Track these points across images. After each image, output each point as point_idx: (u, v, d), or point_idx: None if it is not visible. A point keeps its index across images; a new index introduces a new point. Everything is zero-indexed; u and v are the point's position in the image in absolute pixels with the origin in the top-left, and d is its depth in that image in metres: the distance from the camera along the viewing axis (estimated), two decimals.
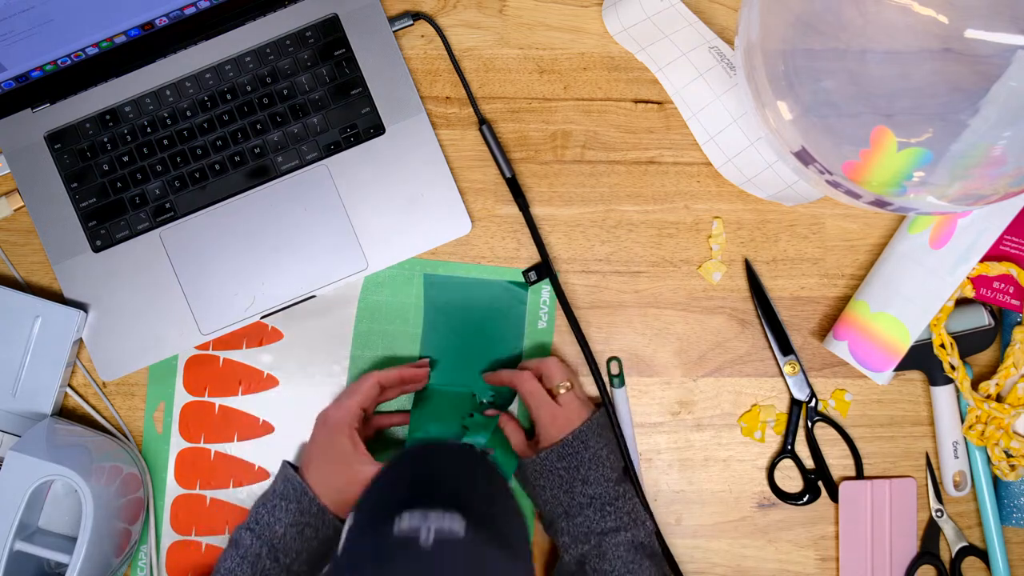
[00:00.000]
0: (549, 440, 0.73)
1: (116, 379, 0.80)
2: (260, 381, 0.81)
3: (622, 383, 0.80)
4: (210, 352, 0.81)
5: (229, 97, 0.79)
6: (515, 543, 0.53)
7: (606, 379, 0.80)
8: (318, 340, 0.81)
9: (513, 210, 0.81)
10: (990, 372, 0.79)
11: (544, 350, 0.80)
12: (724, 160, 0.80)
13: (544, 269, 0.80)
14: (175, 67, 0.80)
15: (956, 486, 0.79)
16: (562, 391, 0.75)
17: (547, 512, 0.73)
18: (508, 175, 0.80)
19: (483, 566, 0.47)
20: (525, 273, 0.80)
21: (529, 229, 0.80)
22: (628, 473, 0.76)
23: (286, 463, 0.75)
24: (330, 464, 0.71)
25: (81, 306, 0.79)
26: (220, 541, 0.80)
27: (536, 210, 0.81)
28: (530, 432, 0.77)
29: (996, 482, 0.79)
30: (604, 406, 0.77)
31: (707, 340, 0.81)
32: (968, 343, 0.78)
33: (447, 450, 0.57)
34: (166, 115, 0.80)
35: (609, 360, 0.80)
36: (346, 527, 0.53)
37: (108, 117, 0.79)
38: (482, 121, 0.81)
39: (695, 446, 0.80)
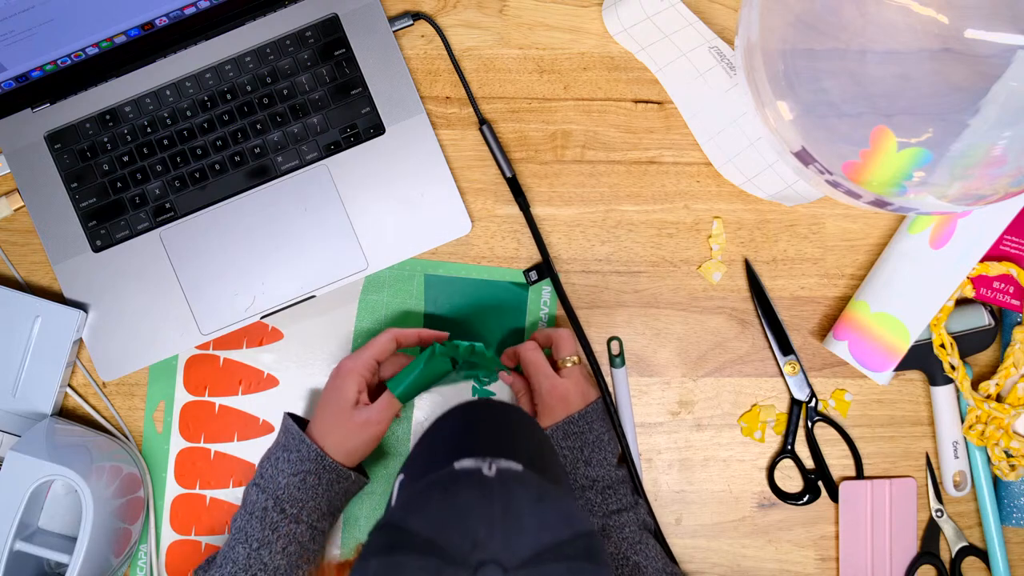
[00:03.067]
0: (548, 412, 0.72)
1: (116, 379, 0.80)
2: (260, 381, 0.81)
3: (623, 363, 0.80)
4: (210, 352, 0.81)
5: (229, 97, 0.79)
6: (564, 483, 0.55)
7: (606, 358, 0.80)
8: (318, 340, 0.81)
9: (513, 210, 0.81)
10: (990, 372, 0.79)
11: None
12: (724, 160, 0.80)
13: (545, 269, 0.80)
14: (175, 67, 0.80)
15: (956, 486, 0.79)
16: (569, 364, 0.74)
17: None
18: (508, 175, 0.80)
19: (546, 493, 0.48)
20: (526, 273, 0.80)
21: (529, 229, 0.80)
22: (626, 457, 0.76)
23: (287, 415, 0.75)
24: (332, 411, 0.72)
25: (81, 306, 0.79)
26: (220, 541, 0.80)
27: (536, 210, 0.81)
28: None
29: (996, 482, 0.79)
30: (603, 395, 0.77)
31: (707, 340, 0.81)
32: (968, 343, 0.78)
33: (486, 404, 0.58)
34: (166, 115, 0.80)
35: (610, 340, 0.80)
36: (396, 484, 0.54)
37: (108, 117, 0.79)
38: (482, 121, 0.81)
39: (695, 446, 0.80)
